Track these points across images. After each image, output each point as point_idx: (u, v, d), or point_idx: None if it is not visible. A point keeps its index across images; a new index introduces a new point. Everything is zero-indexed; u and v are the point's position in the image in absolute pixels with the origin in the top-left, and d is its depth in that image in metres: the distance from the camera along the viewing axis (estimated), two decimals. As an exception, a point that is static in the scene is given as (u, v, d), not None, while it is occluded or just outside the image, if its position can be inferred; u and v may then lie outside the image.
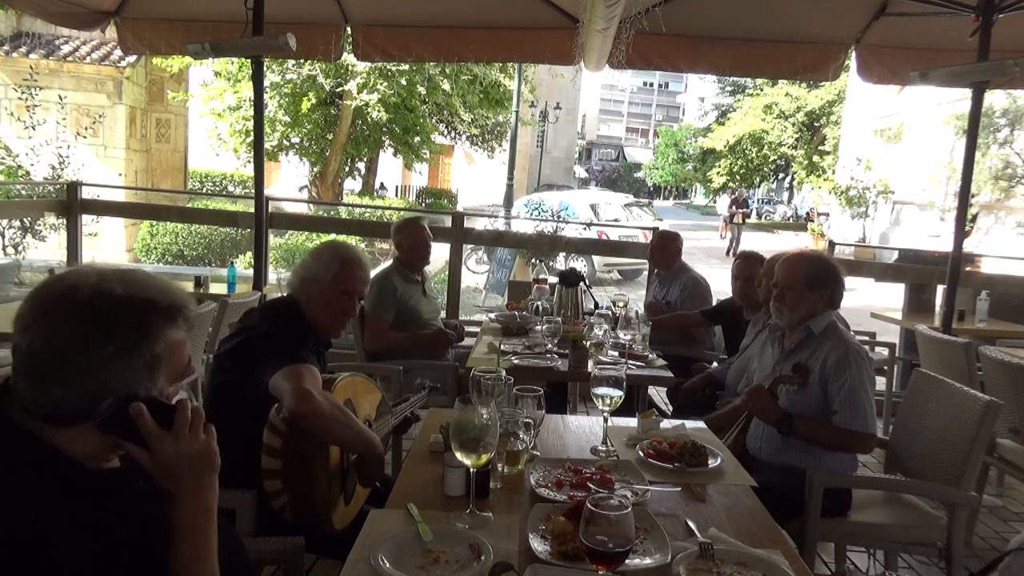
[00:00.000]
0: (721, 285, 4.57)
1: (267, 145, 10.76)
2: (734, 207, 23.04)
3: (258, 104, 4.55)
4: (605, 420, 2.18)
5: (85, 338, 1.02)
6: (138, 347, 1.05)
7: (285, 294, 2.28)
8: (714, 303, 4.31)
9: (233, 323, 2.28)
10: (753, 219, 35.60)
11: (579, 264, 11.18)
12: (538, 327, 3.77)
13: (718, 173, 34.51)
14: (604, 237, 10.16)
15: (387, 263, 4.10)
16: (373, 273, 3.84)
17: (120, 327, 1.04)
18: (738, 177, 33.80)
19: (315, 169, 15.46)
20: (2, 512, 0.96)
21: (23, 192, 9.13)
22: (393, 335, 3.70)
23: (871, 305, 7.73)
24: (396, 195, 22.66)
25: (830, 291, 2.52)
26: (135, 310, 1.06)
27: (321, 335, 2.22)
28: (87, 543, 0.99)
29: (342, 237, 11.46)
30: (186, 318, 1.13)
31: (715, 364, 3.74)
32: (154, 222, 12.31)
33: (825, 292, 2.51)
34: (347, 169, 16.40)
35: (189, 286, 4.81)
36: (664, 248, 4.55)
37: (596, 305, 4.45)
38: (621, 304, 4.13)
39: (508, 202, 16.51)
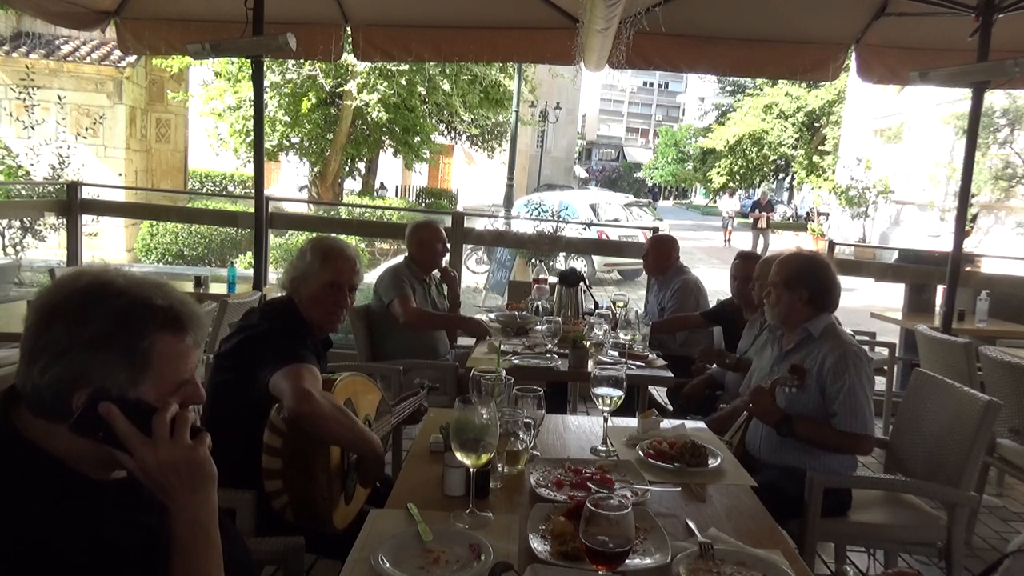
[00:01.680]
0: (721, 285, 4.57)
1: (267, 145, 10.76)
2: (757, 210, 20.98)
3: (258, 104, 4.55)
4: (605, 420, 2.18)
5: (68, 319, 1.00)
6: (117, 339, 1.01)
7: (279, 296, 2.29)
8: (712, 303, 4.31)
9: (233, 323, 2.29)
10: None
11: (579, 264, 11.17)
12: (538, 327, 3.77)
13: (718, 173, 34.49)
14: (604, 237, 10.17)
15: (396, 260, 4.15)
16: (382, 268, 3.87)
17: (104, 313, 1.01)
18: (738, 177, 33.77)
19: (315, 169, 15.47)
20: (2, 522, 0.94)
21: (23, 192, 9.13)
22: (427, 312, 3.74)
23: (871, 305, 7.73)
24: (396, 195, 22.66)
25: (807, 292, 2.51)
26: (126, 301, 1.03)
27: (318, 331, 2.21)
28: (88, 554, 0.97)
29: (342, 237, 11.47)
30: (186, 329, 1.07)
31: (715, 365, 3.73)
32: (154, 222, 12.32)
33: (802, 292, 2.51)
34: (347, 169, 16.41)
35: (189, 286, 4.81)
36: (657, 253, 4.49)
37: (596, 305, 4.45)
38: (621, 304, 4.12)
39: (508, 202, 16.51)
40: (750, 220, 22.01)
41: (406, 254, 3.97)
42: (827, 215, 23.53)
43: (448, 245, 4.04)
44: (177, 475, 1.02)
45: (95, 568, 0.97)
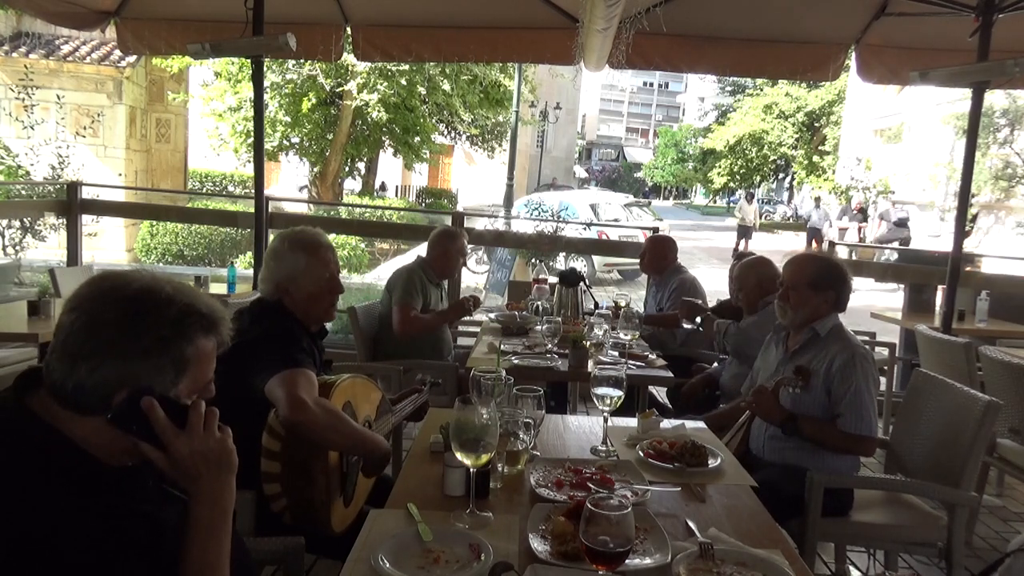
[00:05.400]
0: (722, 285, 4.56)
1: (267, 145, 10.75)
2: (845, 217, 16.14)
3: (258, 104, 4.55)
4: (605, 420, 2.18)
5: (123, 325, 1.05)
6: (170, 345, 1.08)
7: (265, 298, 2.18)
8: (711, 303, 4.30)
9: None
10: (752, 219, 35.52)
11: (579, 264, 11.16)
12: (538, 327, 3.77)
13: (718, 173, 34.52)
14: (604, 237, 10.16)
15: (405, 260, 4.14)
16: (384, 267, 3.90)
17: (159, 322, 1.07)
18: (738, 177, 33.79)
19: (315, 169, 15.47)
20: (12, 504, 0.97)
21: (23, 192, 9.13)
22: (421, 318, 3.75)
23: (871, 305, 7.73)
24: (396, 195, 22.66)
25: (835, 293, 2.51)
26: (177, 310, 1.09)
27: (314, 324, 2.19)
28: (95, 537, 1.00)
29: (342, 237, 11.52)
30: (220, 333, 1.15)
31: (715, 364, 3.74)
32: (154, 222, 12.32)
33: (830, 294, 2.50)
34: (347, 169, 16.42)
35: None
36: (654, 253, 4.48)
37: (596, 305, 4.44)
38: (624, 303, 4.11)
39: (508, 202, 16.52)
40: (836, 232, 16.56)
41: (420, 255, 3.96)
42: (864, 211, 18.28)
43: (466, 257, 4.10)
44: (207, 463, 1.11)
45: (102, 551, 1.00)
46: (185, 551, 1.10)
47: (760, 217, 20.87)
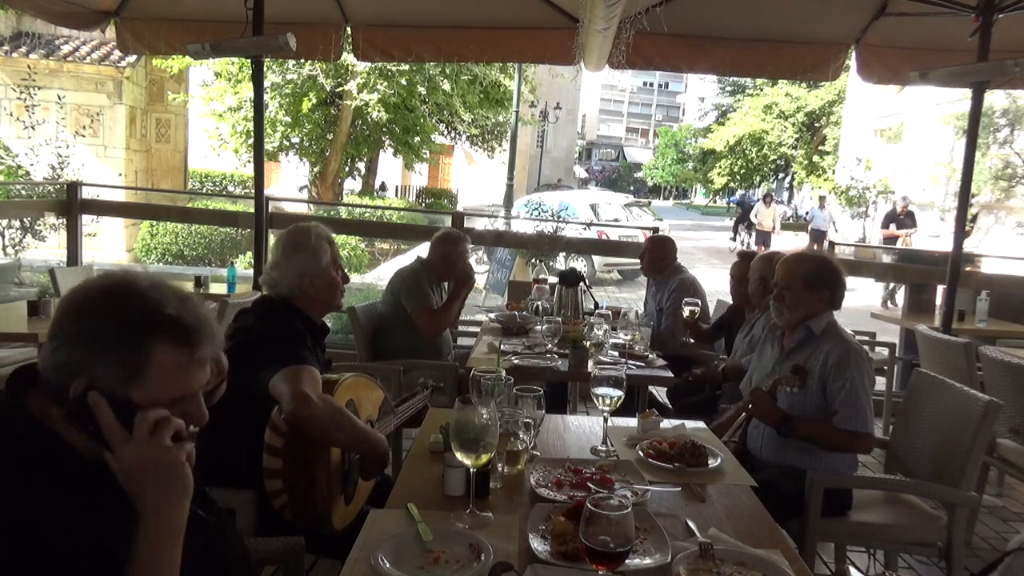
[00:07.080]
0: (722, 285, 4.56)
1: (268, 145, 10.76)
2: (892, 225, 13.43)
3: (258, 104, 4.55)
4: (605, 420, 2.18)
5: (81, 311, 1.04)
6: (117, 339, 1.02)
7: (269, 294, 2.22)
8: (712, 303, 4.29)
9: (228, 324, 2.28)
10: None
11: (579, 264, 11.16)
12: (538, 327, 3.77)
13: (718, 173, 34.52)
14: (604, 237, 10.16)
15: (405, 260, 4.11)
16: (397, 267, 3.95)
17: (112, 314, 1.04)
18: (738, 177, 33.77)
19: (315, 169, 15.48)
20: (6, 502, 0.96)
21: (23, 192, 9.13)
22: (445, 311, 3.75)
23: (871, 305, 7.73)
24: (396, 195, 22.66)
25: (829, 292, 2.51)
26: (138, 306, 1.05)
27: (319, 315, 2.24)
28: (89, 536, 0.99)
29: (342, 237, 11.52)
30: (193, 344, 1.06)
31: (715, 364, 3.73)
32: (154, 222, 12.33)
33: (824, 293, 2.50)
34: (347, 169, 16.42)
35: (189, 286, 4.80)
36: (654, 254, 4.46)
37: (596, 305, 4.45)
38: (692, 309, 3.82)
39: (508, 202, 16.53)
40: (881, 236, 14.18)
41: (421, 256, 3.95)
42: (911, 214, 13.95)
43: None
44: (148, 476, 1.02)
45: (88, 547, 0.99)
46: (131, 566, 1.01)
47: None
